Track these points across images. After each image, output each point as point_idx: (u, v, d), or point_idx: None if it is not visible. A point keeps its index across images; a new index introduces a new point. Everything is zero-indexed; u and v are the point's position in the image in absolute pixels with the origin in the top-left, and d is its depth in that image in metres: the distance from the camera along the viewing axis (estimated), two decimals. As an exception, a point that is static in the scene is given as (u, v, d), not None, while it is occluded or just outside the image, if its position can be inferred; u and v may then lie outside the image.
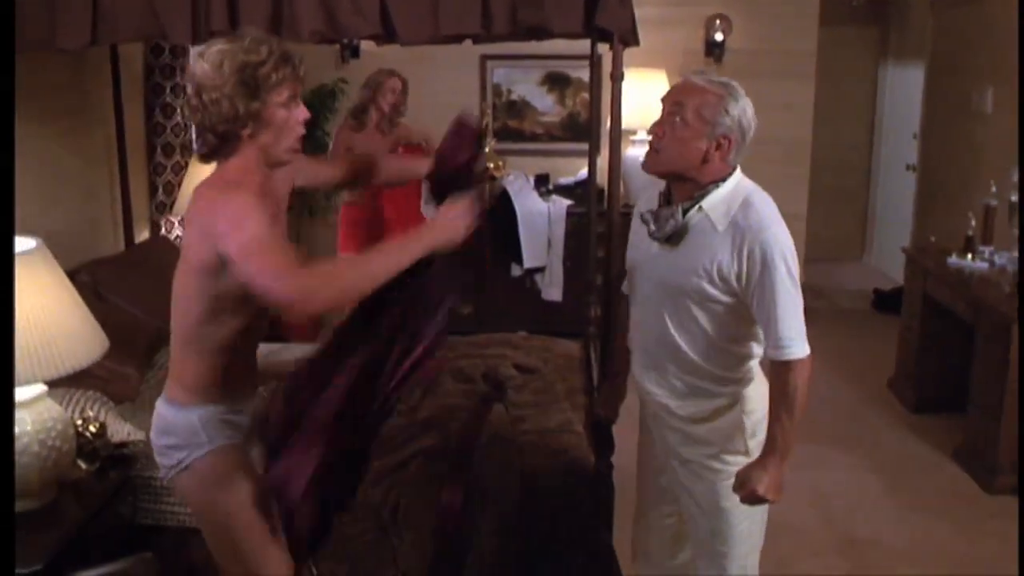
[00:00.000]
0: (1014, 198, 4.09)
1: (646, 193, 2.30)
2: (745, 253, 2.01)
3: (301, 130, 1.92)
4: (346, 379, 1.93)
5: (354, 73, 5.36)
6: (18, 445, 2.22)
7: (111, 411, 2.87)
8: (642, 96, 4.58)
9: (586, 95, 5.59)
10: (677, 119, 2.05)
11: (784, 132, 5.46)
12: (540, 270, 5.27)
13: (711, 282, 2.05)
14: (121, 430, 2.78)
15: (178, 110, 4.29)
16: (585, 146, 4.15)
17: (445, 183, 2.13)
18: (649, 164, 2.12)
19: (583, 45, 3.37)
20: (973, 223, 4.25)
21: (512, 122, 5.88)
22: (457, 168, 2.13)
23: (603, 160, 4.38)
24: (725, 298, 2.07)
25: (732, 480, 2.12)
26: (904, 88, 6.91)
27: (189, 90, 1.87)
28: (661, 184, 2.19)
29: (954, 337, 4.29)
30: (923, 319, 4.44)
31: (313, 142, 5.05)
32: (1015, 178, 4.09)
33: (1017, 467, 3.57)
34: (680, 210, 2.08)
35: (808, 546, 3.32)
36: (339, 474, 2.04)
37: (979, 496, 3.71)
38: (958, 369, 4.17)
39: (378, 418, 2.11)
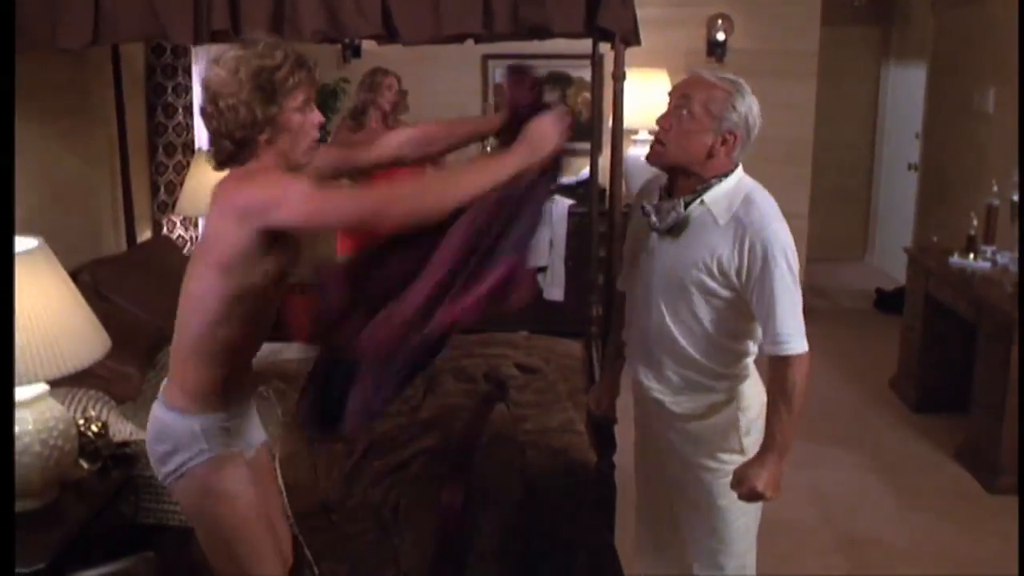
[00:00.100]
0: (1016, 197, 4.09)
1: (646, 185, 2.30)
2: (746, 248, 2.01)
3: (316, 134, 1.92)
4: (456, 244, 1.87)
5: (356, 73, 5.33)
6: (20, 445, 2.22)
7: (113, 410, 2.87)
8: (644, 96, 4.58)
9: (588, 95, 5.57)
10: (684, 112, 2.05)
11: (786, 132, 5.45)
12: (542, 270, 5.27)
13: (711, 275, 2.06)
14: (123, 429, 2.78)
15: (179, 110, 4.30)
16: (587, 146, 4.15)
17: (518, 131, 2.10)
18: (654, 156, 2.13)
19: (585, 45, 3.37)
20: (975, 223, 4.25)
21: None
22: (529, 109, 2.06)
23: (605, 160, 4.39)
24: (724, 292, 2.07)
25: (727, 479, 2.12)
26: (906, 88, 6.91)
27: (203, 98, 1.87)
28: (662, 178, 2.20)
29: (956, 337, 4.29)
30: (925, 319, 4.43)
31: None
32: (1016, 178, 4.09)
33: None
34: (682, 203, 2.09)
35: (809, 545, 3.32)
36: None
37: (981, 496, 3.70)
38: (960, 369, 4.17)
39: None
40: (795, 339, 2.01)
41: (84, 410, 2.75)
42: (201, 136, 4.66)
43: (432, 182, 1.87)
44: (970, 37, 5.48)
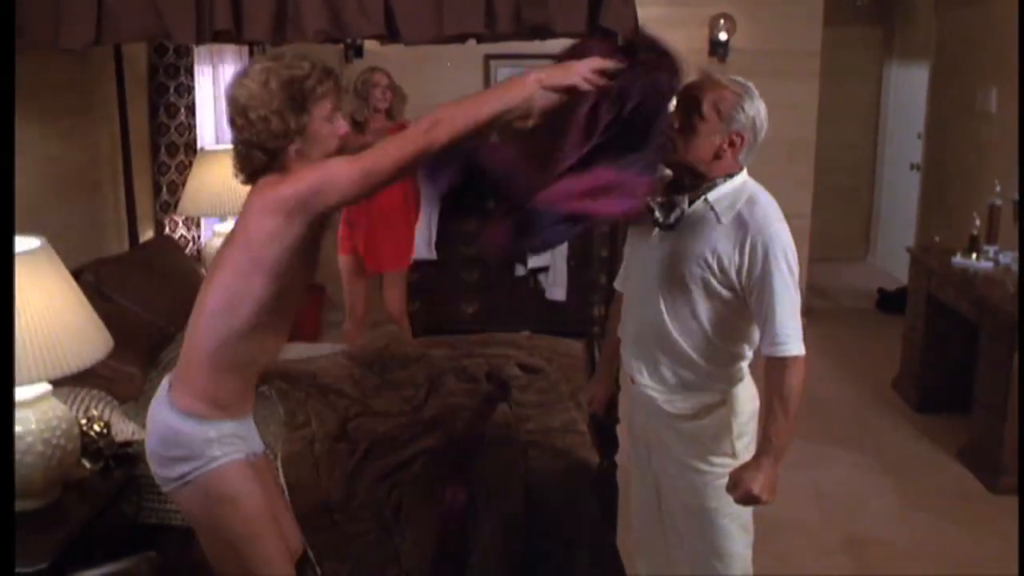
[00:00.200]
0: (1017, 197, 4.09)
1: None
2: (748, 247, 2.02)
3: (336, 143, 1.95)
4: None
5: (358, 73, 5.35)
6: (22, 444, 2.22)
7: (115, 410, 2.87)
8: (646, 96, 4.57)
9: (589, 94, 5.57)
10: (693, 112, 2.06)
11: (788, 132, 5.44)
12: (544, 270, 5.27)
13: (711, 272, 2.07)
14: (125, 429, 2.78)
15: (182, 109, 4.30)
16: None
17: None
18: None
19: (586, 45, 3.35)
20: (978, 223, 4.24)
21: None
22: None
23: (606, 159, 4.38)
24: (724, 291, 2.08)
25: (717, 481, 2.12)
26: (908, 88, 6.91)
27: (231, 111, 1.89)
28: (667, 176, 2.20)
29: (958, 337, 4.29)
30: (927, 319, 4.43)
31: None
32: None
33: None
34: (686, 199, 2.10)
35: (812, 545, 3.32)
36: None
37: (983, 496, 3.70)
38: (962, 369, 4.16)
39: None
40: (793, 341, 2.02)
41: (86, 410, 2.76)
42: (203, 136, 4.66)
43: (454, 109, 1.93)
44: (972, 37, 5.48)
